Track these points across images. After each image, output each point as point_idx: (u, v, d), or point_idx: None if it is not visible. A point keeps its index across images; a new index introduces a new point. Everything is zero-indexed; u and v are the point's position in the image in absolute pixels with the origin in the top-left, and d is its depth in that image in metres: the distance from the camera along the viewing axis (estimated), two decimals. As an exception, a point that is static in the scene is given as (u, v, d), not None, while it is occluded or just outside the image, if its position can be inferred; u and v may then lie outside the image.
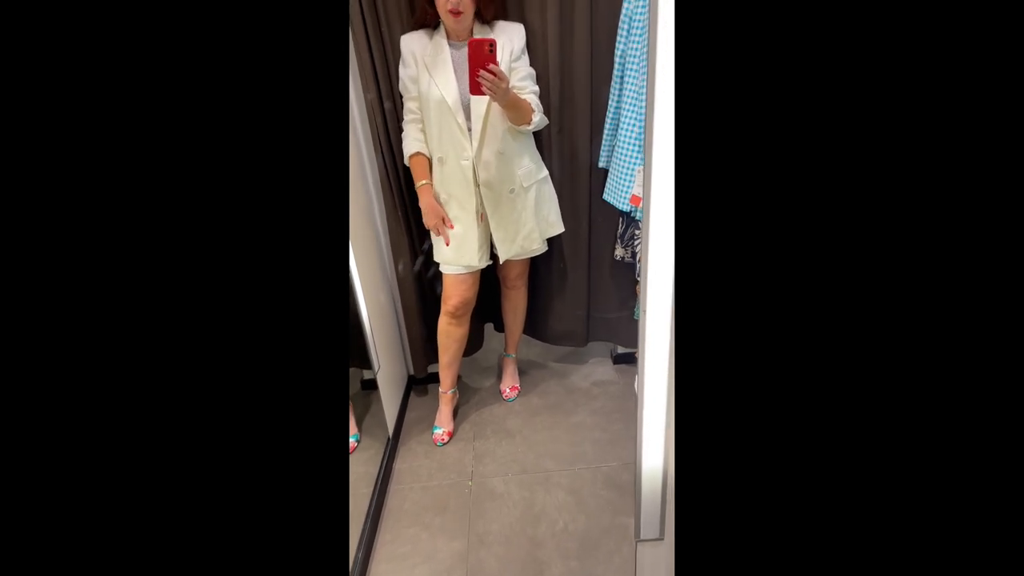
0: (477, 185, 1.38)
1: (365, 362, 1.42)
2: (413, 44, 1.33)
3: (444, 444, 1.62)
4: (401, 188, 1.53)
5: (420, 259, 1.64)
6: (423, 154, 1.40)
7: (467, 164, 1.36)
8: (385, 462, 1.51)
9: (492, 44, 1.16)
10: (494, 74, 1.16)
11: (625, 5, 1.29)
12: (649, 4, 0.62)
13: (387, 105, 1.44)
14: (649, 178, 0.70)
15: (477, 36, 1.26)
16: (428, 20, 1.32)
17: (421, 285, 1.68)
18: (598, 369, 1.90)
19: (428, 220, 1.42)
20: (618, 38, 1.33)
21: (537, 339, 1.87)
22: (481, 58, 1.16)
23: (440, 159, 1.38)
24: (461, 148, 1.35)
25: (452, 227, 1.42)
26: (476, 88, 1.19)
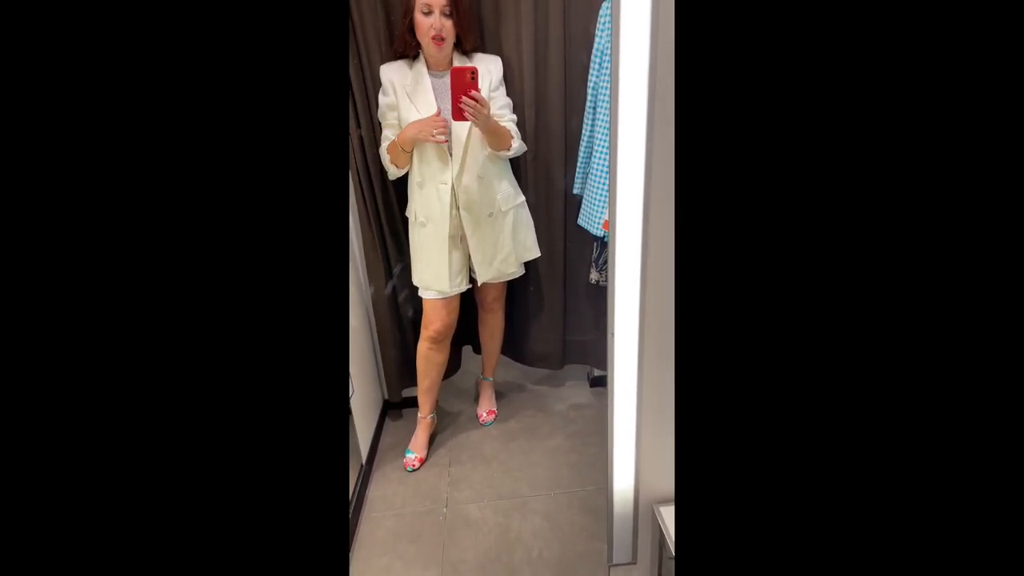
0: (457, 208, 1.40)
1: (339, 386, 1.40)
2: (392, 73, 1.37)
3: (415, 470, 1.59)
4: (377, 211, 1.54)
5: (391, 282, 1.63)
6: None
7: (446, 187, 1.38)
8: (358, 489, 1.48)
9: (474, 72, 1.19)
10: (476, 100, 1.20)
11: (597, 40, 1.34)
12: (612, 40, 0.65)
13: (364, 134, 1.46)
14: (614, 203, 0.73)
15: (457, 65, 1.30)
16: (408, 50, 1.36)
17: (396, 309, 1.67)
18: (575, 392, 1.90)
19: (426, 129, 1.28)
20: (590, 71, 1.38)
21: (515, 360, 1.87)
22: (464, 85, 1.19)
23: (419, 183, 1.40)
24: (441, 172, 1.38)
25: (445, 141, 1.31)
26: (459, 114, 1.22)
